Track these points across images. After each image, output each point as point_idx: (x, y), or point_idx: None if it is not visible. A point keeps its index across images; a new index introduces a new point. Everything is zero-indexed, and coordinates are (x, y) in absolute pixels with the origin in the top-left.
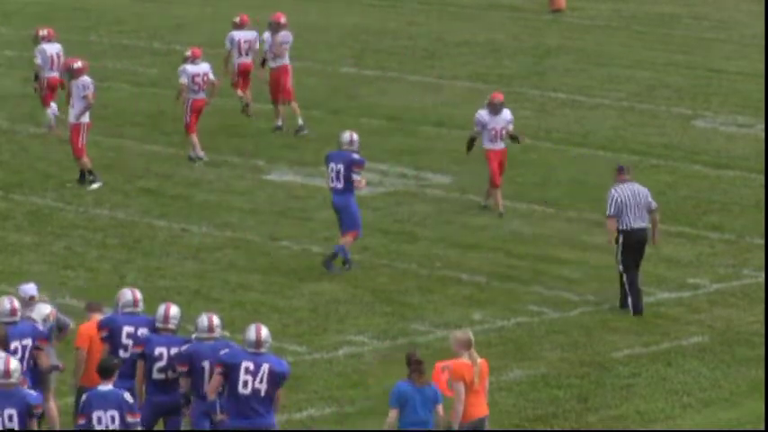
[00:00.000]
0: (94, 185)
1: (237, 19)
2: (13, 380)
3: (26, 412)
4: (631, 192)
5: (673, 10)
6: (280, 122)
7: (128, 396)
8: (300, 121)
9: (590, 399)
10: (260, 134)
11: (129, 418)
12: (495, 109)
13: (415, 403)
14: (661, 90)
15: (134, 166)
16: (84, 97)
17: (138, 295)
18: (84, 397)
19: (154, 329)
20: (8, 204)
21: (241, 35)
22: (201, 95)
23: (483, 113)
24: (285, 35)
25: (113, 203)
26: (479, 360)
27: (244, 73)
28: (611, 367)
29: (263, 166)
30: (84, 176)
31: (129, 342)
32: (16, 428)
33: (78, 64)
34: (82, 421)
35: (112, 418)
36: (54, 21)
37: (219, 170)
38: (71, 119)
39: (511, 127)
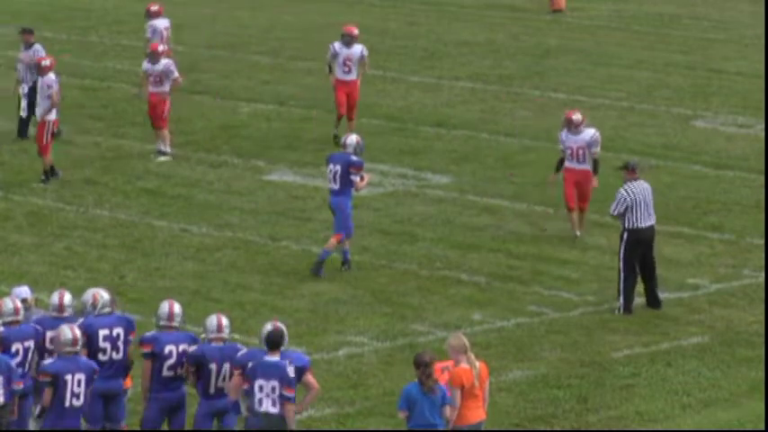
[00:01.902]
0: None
1: (156, 8)
2: (78, 347)
3: (91, 377)
4: (641, 190)
5: (673, 10)
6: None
7: (290, 370)
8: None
9: (590, 399)
10: (260, 134)
11: (285, 392)
12: (569, 127)
13: (423, 406)
14: (661, 90)
15: (134, 166)
16: (49, 96)
17: (107, 295)
18: (250, 364)
19: (130, 328)
20: (8, 204)
21: (162, 23)
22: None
23: (563, 132)
24: (362, 48)
25: (113, 204)
26: (478, 363)
27: None
28: (611, 367)
29: (263, 167)
30: (48, 176)
31: (107, 345)
32: (83, 391)
33: (46, 62)
34: (245, 386)
35: (273, 389)
36: (54, 21)
37: (219, 170)
38: (38, 117)
39: (594, 150)
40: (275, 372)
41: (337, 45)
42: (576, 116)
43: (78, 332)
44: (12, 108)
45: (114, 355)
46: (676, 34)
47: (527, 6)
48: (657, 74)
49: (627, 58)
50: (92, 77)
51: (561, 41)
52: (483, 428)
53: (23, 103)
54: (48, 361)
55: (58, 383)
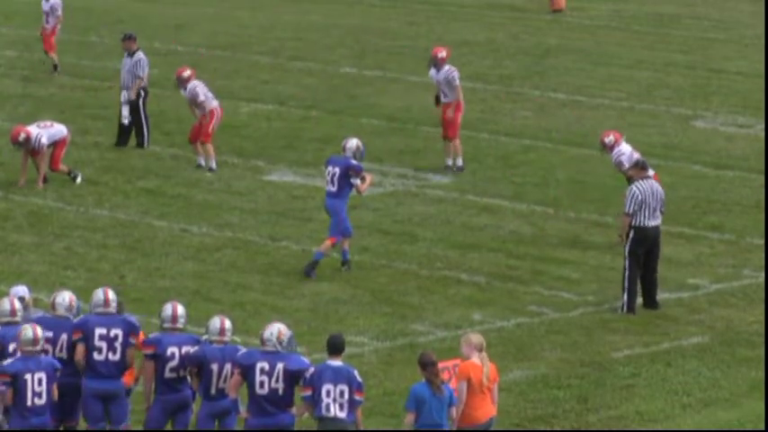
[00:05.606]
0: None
1: None
2: (39, 347)
3: (53, 375)
4: (651, 189)
5: (673, 10)
6: (450, 161)
7: (357, 374)
8: (460, 162)
9: (590, 399)
10: (260, 134)
11: (357, 396)
12: (604, 149)
13: (431, 406)
14: (661, 90)
15: (134, 166)
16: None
17: (111, 295)
18: (312, 370)
19: (131, 331)
20: (8, 204)
21: (56, 2)
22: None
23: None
24: (448, 71)
25: (113, 203)
26: (489, 364)
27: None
28: (611, 367)
29: (263, 167)
30: (45, 179)
31: (103, 344)
32: (45, 390)
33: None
34: (308, 393)
35: (341, 393)
36: None
37: (219, 170)
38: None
39: (622, 170)
40: (344, 376)
41: (432, 71)
42: (609, 138)
43: (40, 332)
44: (10, 107)
45: (111, 356)
46: (676, 34)
47: (527, 6)
48: (657, 74)
49: (627, 58)
50: (92, 77)
51: (561, 41)
52: (493, 425)
53: (125, 111)
54: (7, 361)
55: (17, 383)
